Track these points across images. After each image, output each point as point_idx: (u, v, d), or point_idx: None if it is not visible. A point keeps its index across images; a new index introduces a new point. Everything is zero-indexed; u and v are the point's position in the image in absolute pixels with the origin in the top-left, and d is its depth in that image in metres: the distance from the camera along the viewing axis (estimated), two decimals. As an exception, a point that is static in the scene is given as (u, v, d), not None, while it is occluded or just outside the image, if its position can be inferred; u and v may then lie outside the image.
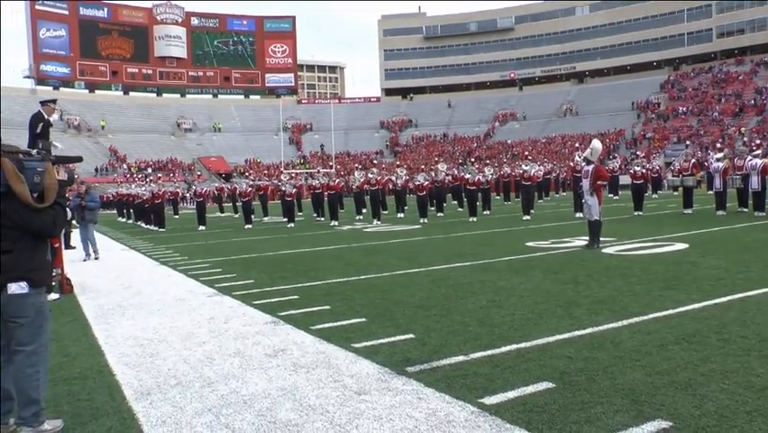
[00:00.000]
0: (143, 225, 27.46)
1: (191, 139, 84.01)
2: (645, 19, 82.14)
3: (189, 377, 5.11)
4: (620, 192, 31.73)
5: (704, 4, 77.93)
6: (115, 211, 40.65)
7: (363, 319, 6.77)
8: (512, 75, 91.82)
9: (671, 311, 6.51)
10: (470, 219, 21.18)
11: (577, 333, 5.80)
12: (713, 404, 3.92)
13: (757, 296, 7.12)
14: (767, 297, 7.07)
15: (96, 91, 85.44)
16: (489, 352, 5.31)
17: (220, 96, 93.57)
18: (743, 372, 4.52)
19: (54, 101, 10.00)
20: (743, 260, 9.82)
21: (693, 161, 22.03)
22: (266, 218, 28.64)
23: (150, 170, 70.33)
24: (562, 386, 4.37)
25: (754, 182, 18.37)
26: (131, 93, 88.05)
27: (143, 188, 29.80)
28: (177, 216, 34.82)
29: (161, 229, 24.11)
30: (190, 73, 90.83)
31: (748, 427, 3.57)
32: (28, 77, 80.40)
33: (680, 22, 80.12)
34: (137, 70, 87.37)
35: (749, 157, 19.44)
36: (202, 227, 23.97)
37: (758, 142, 48.89)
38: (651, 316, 6.34)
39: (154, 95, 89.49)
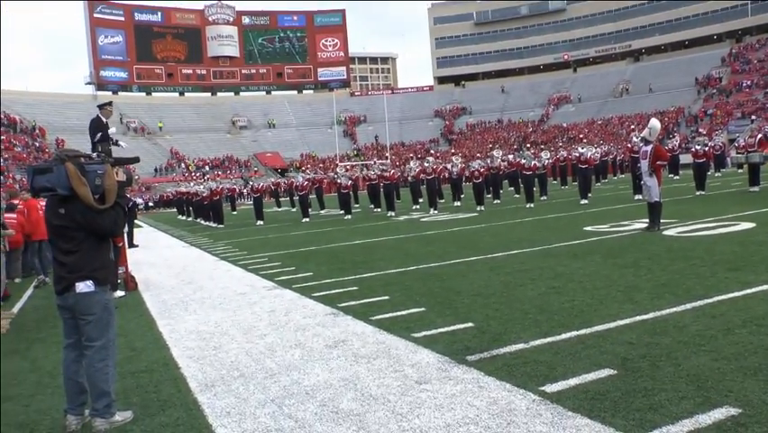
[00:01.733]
0: (203, 221, 28.02)
1: (246, 136, 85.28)
2: (704, -10, 79.39)
3: (252, 369, 5.22)
4: (681, 172, 30.88)
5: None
6: (175, 209, 41.63)
7: (422, 309, 6.78)
8: (565, 57, 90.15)
9: (737, 293, 6.31)
10: (528, 205, 20.93)
11: (638, 318, 5.69)
12: (785, 389, 3.78)
13: (830, 275, 6.85)
14: (840, 276, 6.79)
15: (153, 93, 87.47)
16: (549, 339, 5.26)
17: (273, 93, 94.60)
18: (816, 355, 4.35)
19: (110, 103, 10.25)
20: (813, 238, 9.45)
21: (759, 136, 21.16)
22: (323, 211, 28.88)
23: (207, 168, 71.71)
24: (624, 373, 4.29)
25: (825, 156, 17.64)
26: (186, 94, 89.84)
27: (202, 186, 30.36)
28: (235, 213, 35.42)
29: (220, 225, 24.56)
30: (243, 71, 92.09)
31: (822, 411, 3.44)
32: (89, 83, 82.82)
33: (741, -9, 77.14)
34: (191, 71, 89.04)
35: (818, 130, 18.66)
36: (260, 222, 24.33)
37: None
38: (716, 298, 6.17)
39: (209, 94, 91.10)
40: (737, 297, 6.18)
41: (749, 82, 65.91)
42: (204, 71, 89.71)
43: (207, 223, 26.76)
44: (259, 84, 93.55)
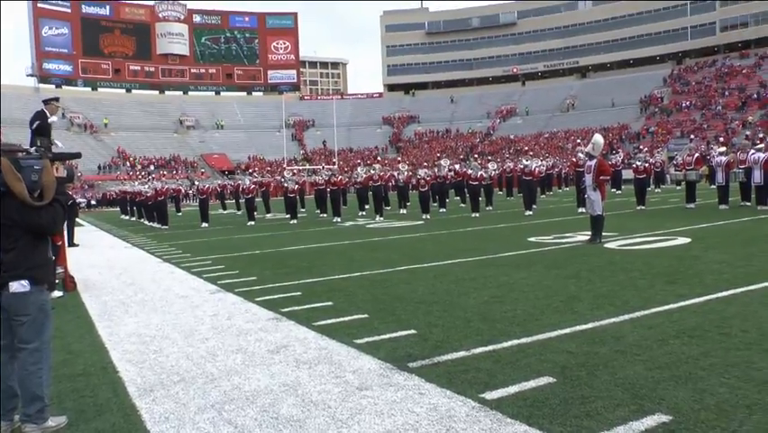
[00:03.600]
0: (146, 222, 27.50)
1: (194, 136, 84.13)
2: (648, 13, 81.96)
3: (192, 373, 5.14)
4: (623, 187, 31.68)
5: (707, -2, 77.73)
6: (119, 208, 40.73)
7: (365, 315, 6.79)
8: (514, 70, 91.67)
9: (672, 305, 6.52)
10: (473, 215, 21.17)
11: (578, 328, 5.81)
12: (713, 398, 3.93)
13: (759, 290, 7.12)
14: (769, 291, 7.07)
15: (99, 89, 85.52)
16: (491, 347, 5.32)
17: (222, 94, 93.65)
18: (743, 366, 4.53)
19: (57, 99, 9.98)
20: (745, 254, 9.82)
21: (696, 155, 21.94)
22: (269, 215, 28.65)
23: (153, 168, 70.43)
24: (563, 381, 4.38)
25: (757, 176, 18.32)
26: (133, 91, 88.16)
27: (146, 186, 29.79)
28: (179, 214, 34.86)
29: (164, 226, 24.14)
30: (192, 70, 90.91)
31: (747, 420, 3.58)
32: (31, 75, 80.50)
33: (683, 15, 79.94)
34: (139, 68, 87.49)
35: (752, 151, 19.40)
36: (205, 224, 24.00)
37: (761, 135, 48.70)
38: (652, 310, 6.36)
39: (157, 92, 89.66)
40: (672, 309, 6.38)
41: (688, 103, 68.17)
42: (152, 69, 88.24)
43: (151, 223, 26.26)
44: (208, 84, 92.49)
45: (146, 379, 5.07)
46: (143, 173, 65.24)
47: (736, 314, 6.03)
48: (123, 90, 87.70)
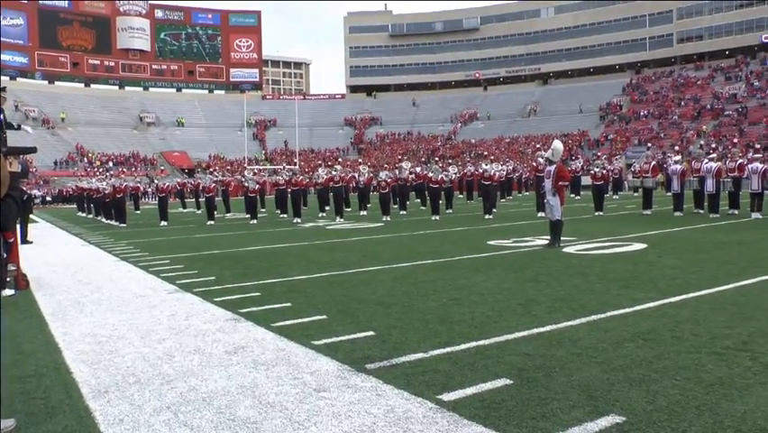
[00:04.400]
0: (104, 220, 27.06)
1: (154, 133, 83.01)
2: (609, 23, 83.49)
3: (148, 375, 5.06)
4: (582, 192, 32.17)
5: (665, 10, 79.49)
6: (75, 205, 39.96)
7: (324, 317, 6.77)
8: (477, 75, 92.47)
9: (627, 309, 6.64)
10: (433, 218, 21.28)
11: (536, 330, 5.88)
12: (665, 399, 4.01)
13: (710, 295, 7.30)
14: (719, 296, 7.25)
15: (56, 83, 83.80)
16: (449, 349, 5.35)
17: (184, 91, 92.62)
18: (694, 368, 4.64)
19: (4, 89, 9.61)
20: (697, 260, 10.06)
21: (653, 163, 22.40)
22: (228, 214, 28.40)
23: (111, 164, 69.27)
24: (520, 382, 4.43)
25: (710, 185, 18.81)
26: (92, 85, 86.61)
27: (104, 183, 29.30)
28: (138, 212, 34.31)
29: (122, 224, 23.76)
30: (153, 66, 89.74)
31: (696, 420, 3.67)
32: (-16, 66, 78.57)
33: (642, 26, 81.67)
34: (99, 62, 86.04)
35: (705, 160, 19.91)
36: (164, 223, 23.70)
37: (713, 146, 50.04)
38: (608, 314, 6.46)
39: (116, 88, 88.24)
40: (628, 313, 6.50)
41: (646, 112, 69.60)
42: (112, 63, 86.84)
43: (109, 221, 25.83)
44: (169, 80, 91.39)
45: (100, 380, 4.97)
46: (101, 170, 64.16)
47: (688, 318, 6.17)
48: (82, 84, 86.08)
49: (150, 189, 48.66)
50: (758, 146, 44.87)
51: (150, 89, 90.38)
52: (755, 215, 17.62)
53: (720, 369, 4.61)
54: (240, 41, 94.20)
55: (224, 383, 4.73)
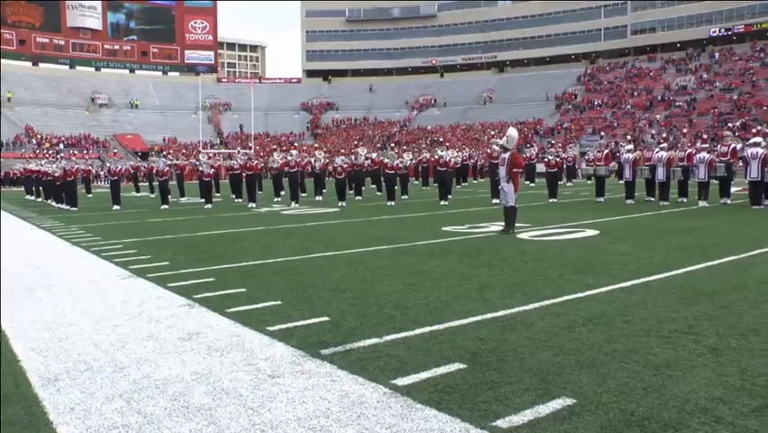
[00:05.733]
0: (54, 203, 26.41)
1: (106, 115, 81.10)
2: (565, 13, 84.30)
3: (100, 362, 4.98)
4: (536, 180, 32.57)
5: (620, 2, 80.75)
6: (23, 188, 38.94)
7: (279, 302, 6.75)
8: (433, 62, 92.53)
9: (580, 294, 6.78)
10: (388, 203, 21.34)
11: (489, 315, 5.96)
12: (614, 381, 4.12)
13: (659, 280, 7.50)
14: (668, 281, 7.45)
15: (2, 60, 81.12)
16: (403, 334, 5.39)
17: (137, 72, 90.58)
18: (642, 351, 4.77)
19: None
20: (648, 246, 10.30)
21: (606, 151, 22.81)
22: (183, 199, 28.01)
23: (62, 146, 67.56)
24: (473, 367, 4.49)
25: (660, 173, 19.24)
26: (40, 64, 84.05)
27: (54, 165, 28.56)
28: (90, 195, 33.59)
29: (73, 208, 23.22)
30: (106, 46, 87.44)
31: (643, 401, 3.79)
32: None
33: (597, 17, 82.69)
34: (47, 40, 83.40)
35: (656, 149, 20.34)
36: (116, 207, 23.25)
37: (665, 135, 51.18)
38: (561, 299, 6.59)
39: (66, 67, 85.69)
40: (580, 297, 6.64)
41: (600, 101, 70.71)
42: (62, 42, 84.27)
43: (59, 205, 25.21)
44: (122, 61, 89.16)
45: (50, 368, 4.87)
46: (51, 152, 62.54)
47: (638, 303, 6.33)
48: (29, 63, 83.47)
49: (102, 173, 47.66)
50: (705, 136, 45.96)
51: (103, 70, 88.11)
52: (702, 203, 18.11)
53: (667, 352, 4.76)
54: (195, 23, 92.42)
55: (178, 370, 4.69)
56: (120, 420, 3.80)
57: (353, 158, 27.50)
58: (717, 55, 71.87)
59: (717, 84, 65.12)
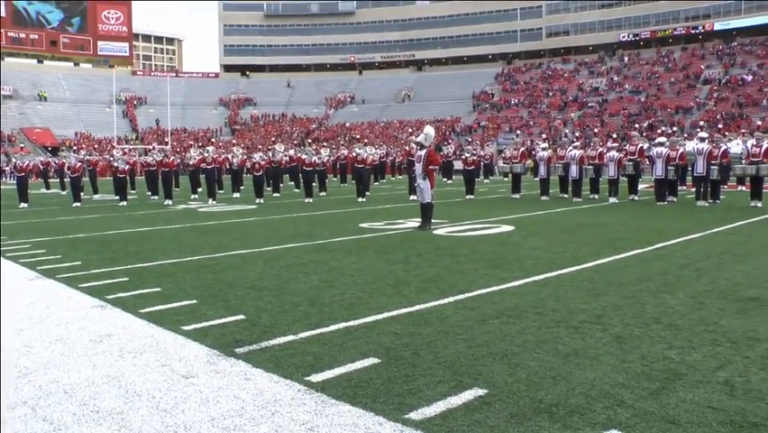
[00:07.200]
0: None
1: (12, 107, 77.24)
2: (483, 14, 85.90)
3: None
4: (454, 177, 33.10)
5: (535, 5, 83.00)
6: None
7: (194, 301, 6.65)
8: (352, 59, 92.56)
9: (494, 288, 6.96)
10: (306, 200, 21.29)
11: (405, 310, 6.05)
12: (525, 371, 4.27)
13: (570, 273, 7.79)
14: (578, 274, 7.74)
15: None
16: (318, 331, 5.41)
17: (46, 63, 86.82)
18: (552, 341, 4.96)
19: None
20: (560, 240, 10.67)
21: (522, 149, 23.44)
22: (96, 196, 27.11)
23: (-38, 142, 64.19)
24: (388, 361, 4.55)
25: (574, 171, 19.92)
26: (-65, 53, 79.44)
27: (-47, 162, 27.19)
28: (-7, 193, 32.10)
29: (-25, 206, 22.16)
30: (10, 34, 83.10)
31: (552, 389, 3.94)
32: None
33: (513, 19, 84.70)
34: (-57, 27, 78.90)
35: (570, 148, 21.04)
36: (24, 205, 22.29)
37: (577, 134, 52.94)
38: (475, 293, 6.75)
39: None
40: (494, 291, 6.82)
41: (516, 101, 72.50)
42: (-39, 30, 79.88)
43: (-42, 203, 24.00)
44: (29, 50, 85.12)
45: (-53, 372, 4.66)
46: (-50, 147, 59.33)
47: (550, 295, 6.56)
48: None
49: (7, 168, 45.57)
50: (615, 136, 47.76)
51: (7, 59, 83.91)
52: (612, 199, 18.84)
53: (575, 341, 4.96)
54: (108, 13, 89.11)
55: (88, 374, 4.56)
56: (24, 429, 3.66)
57: (271, 154, 27.30)
58: (626, 59, 74.93)
59: (627, 86, 67.86)
